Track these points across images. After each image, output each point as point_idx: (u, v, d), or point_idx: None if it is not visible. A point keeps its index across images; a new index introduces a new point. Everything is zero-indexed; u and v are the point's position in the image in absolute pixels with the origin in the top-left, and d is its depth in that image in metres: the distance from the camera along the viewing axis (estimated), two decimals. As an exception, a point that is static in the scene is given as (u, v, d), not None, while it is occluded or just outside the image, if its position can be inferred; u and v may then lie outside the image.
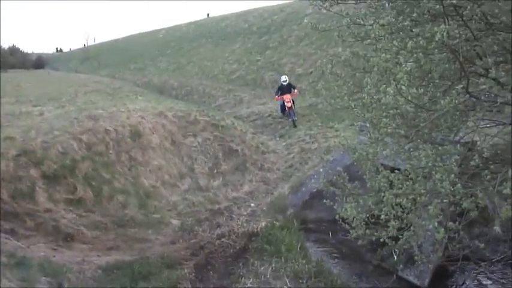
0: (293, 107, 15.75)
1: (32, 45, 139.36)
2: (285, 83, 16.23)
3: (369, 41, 5.17)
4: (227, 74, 24.23)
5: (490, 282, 7.43)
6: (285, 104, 15.77)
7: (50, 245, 8.02)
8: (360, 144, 6.16)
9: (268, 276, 7.31)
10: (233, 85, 22.52)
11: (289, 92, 16.04)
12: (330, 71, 5.93)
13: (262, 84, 21.43)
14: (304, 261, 7.65)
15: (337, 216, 5.63)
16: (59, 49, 68.38)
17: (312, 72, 19.72)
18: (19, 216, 8.41)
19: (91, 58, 44.78)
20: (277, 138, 14.55)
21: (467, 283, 7.47)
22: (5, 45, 53.11)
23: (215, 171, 12.60)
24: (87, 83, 25.81)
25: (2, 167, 8.96)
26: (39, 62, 52.06)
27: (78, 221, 8.89)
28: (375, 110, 4.65)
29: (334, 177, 5.93)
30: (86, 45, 54.88)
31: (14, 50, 53.28)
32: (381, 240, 5.06)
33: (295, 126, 15.34)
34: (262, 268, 7.58)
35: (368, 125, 5.75)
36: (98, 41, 57.51)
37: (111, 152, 11.12)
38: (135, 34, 52.68)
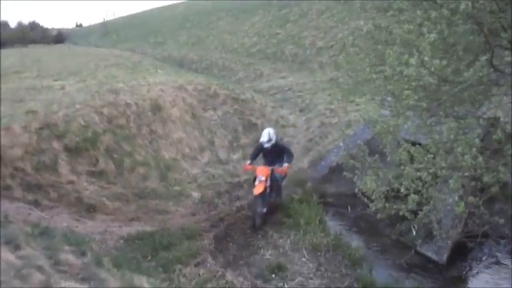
0: (267, 192, 8.35)
1: (52, 20, 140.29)
2: (267, 145, 8.61)
3: (391, 12, 5.08)
4: (247, 48, 24.06)
5: (508, 260, 7.39)
6: (256, 182, 8.20)
7: (73, 215, 8.17)
8: (381, 118, 6.10)
9: (286, 249, 7.39)
10: (253, 59, 22.36)
11: (275, 161, 8.66)
12: (352, 44, 5.88)
13: (282, 57, 21.25)
14: (322, 235, 7.71)
15: (356, 190, 5.64)
16: (78, 24, 68.65)
17: (332, 45, 19.45)
18: (42, 187, 8.57)
19: (110, 32, 44.86)
20: (297, 112, 14.46)
21: (485, 260, 7.45)
22: (26, 21, 53.82)
23: (235, 144, 12.68)
24: (107, 57, 25.89)
25: (25, 140, 9.11)
26: (59, 37, 52.54)
27: (100, 193, 9.04)
28: (397, 82, 4.61)
29: (354, 151, 5.91)
30: (105, 20, 54.96)
31: (34, 26, 53.90)
32: (400, 215, 5.05)
33: (254, 226, 8.10)
34: (281, 240, 7.65)
35: (390, 98, 5.70)
36: (117, 16, 57.53)
37: (131, 125, 11.23)
38: (154, 8, 52.48)
